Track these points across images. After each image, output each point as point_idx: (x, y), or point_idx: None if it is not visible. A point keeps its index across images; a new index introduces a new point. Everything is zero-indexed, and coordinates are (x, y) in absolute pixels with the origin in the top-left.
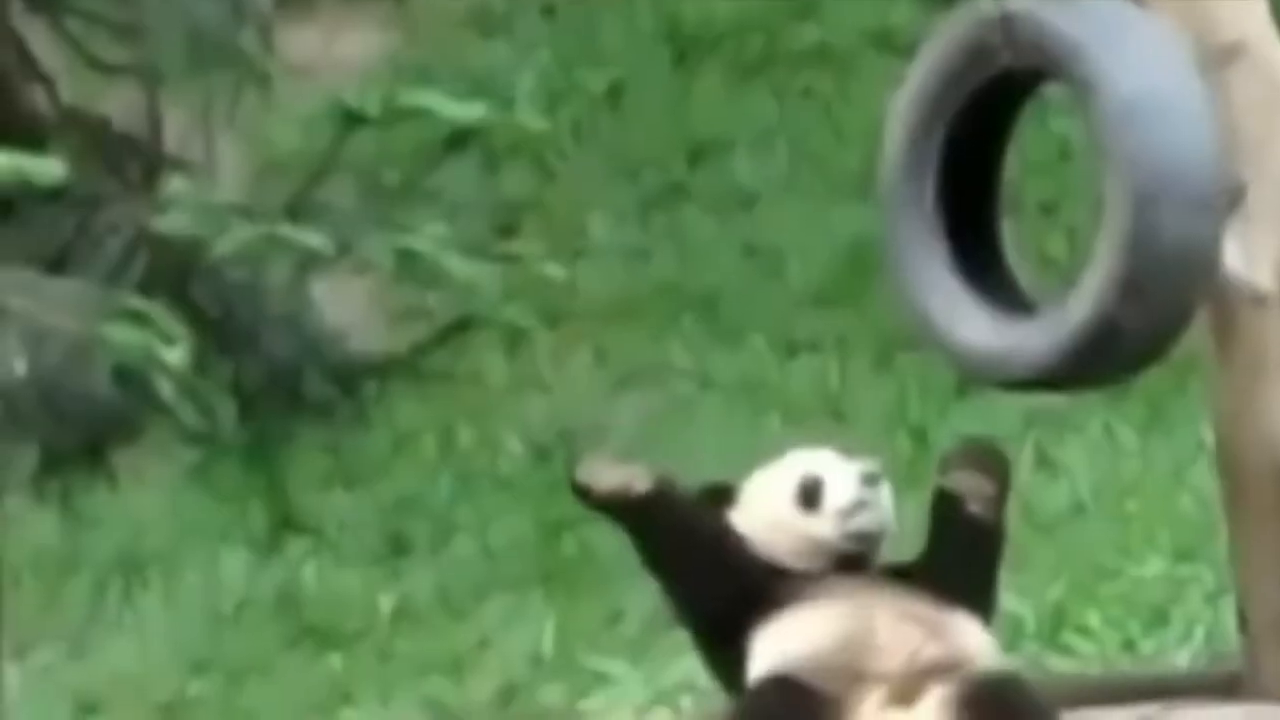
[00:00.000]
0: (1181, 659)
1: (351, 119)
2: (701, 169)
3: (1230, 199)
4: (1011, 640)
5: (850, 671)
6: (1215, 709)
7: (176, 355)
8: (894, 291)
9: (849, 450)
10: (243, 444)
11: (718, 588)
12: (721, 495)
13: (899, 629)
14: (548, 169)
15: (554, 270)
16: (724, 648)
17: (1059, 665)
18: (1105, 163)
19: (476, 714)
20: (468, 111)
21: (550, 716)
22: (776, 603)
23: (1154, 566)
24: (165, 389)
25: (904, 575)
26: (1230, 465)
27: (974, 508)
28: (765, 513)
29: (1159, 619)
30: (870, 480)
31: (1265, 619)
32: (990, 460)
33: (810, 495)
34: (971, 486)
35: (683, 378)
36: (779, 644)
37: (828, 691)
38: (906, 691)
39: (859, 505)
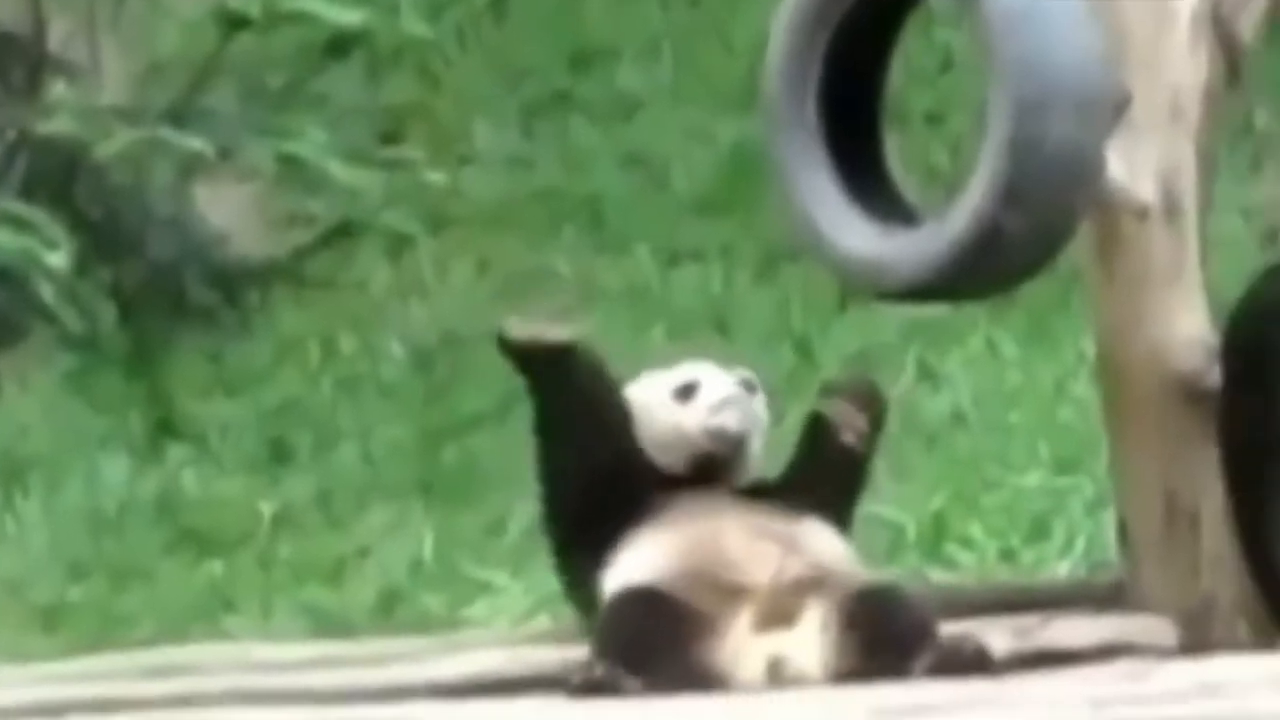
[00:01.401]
0: (1062, 570)
1: (234, 22)
2: (586, 76)
3: (1115, 110)
4: (892, 551)
5: (714, 585)
6: (1095, 620)
7: (58, 259)
8: (778, 202)
9: (727, 361)
10: (124, 349)
11: (599, 460)
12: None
13: (754, 543)
14: (431, 75)
15: (437, 177)
16: (579, 536)
17: (940, 576)
18: (989, 70)
19: (357, 621)
20: (350, 16)
21: (431, 624)
22: (636, 504)
23: (1035, 478)
24: (46, 292)
25: (761, 491)
26: (1112, 377)
27: (846, 437)
28: (642, 403)
29: (1040, 530)
30: (746, 385)
31: (1144, 530)
32: (869, 395)
33: (686, 390)
34: (847, 417)
35: (566, 286)
36: (634, 559)
37: (691, 604)
38: (780, 610)
39: (729, 402)
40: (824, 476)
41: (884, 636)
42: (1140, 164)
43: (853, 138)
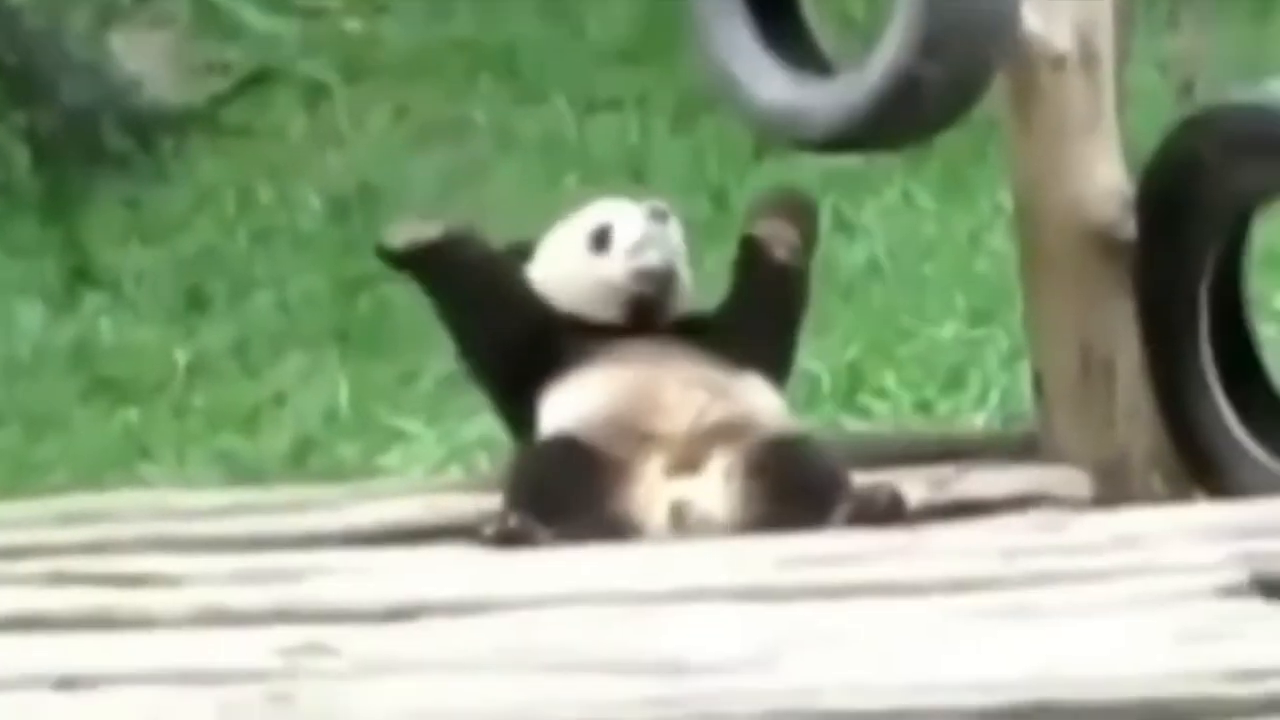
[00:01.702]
0: (977, 421)
1: None
2: None
3: None
4: (808, 401)
5: (635, 433)
6: (1009, 470)
7: None
8: (695, 52)
9: (638, 198)
10: (39, 195)
11: (510, 337)
12: (518, 252)
13: (686, 392)
14: None
15: (353, 25)
16: (516, 402)
17: (855, 426)
18: None
19: (272, 469)
20: None
21: (345, 472)
22: (567, 360)
23: (950, 329)
24: None
25: (701, 329)
26: (1028, 228)
27: (779, 254)
28: (559, 262)
29: (955, 381)
30: (657, 216)
31: (1059, 381)
32: (798, 209)
33: (600, 239)
34: (778, 234)
35: (482, 134)
36: (564, 404)
37: (609, 452)
38: (690, 456)
39: (645, 241)
40: (764, 299)
41: (794, 485)
42: (1056, 14)
43: None
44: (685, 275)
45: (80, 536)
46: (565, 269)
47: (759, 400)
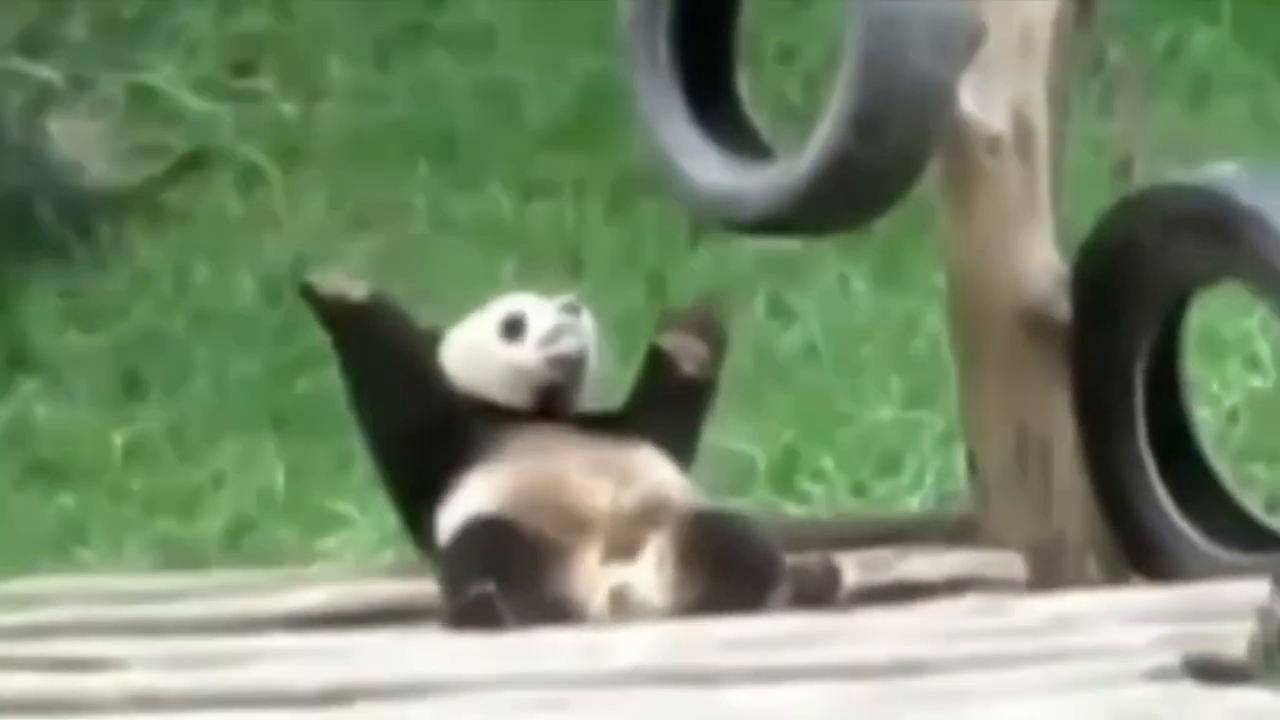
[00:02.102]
0: (913, 505)
1: None
2: (441, 8)
3: (969, 41)
4: (743, 484)
5: (554, 517)
6: (946, 553)
7: None
8: (632, 135)
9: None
10: None
11: (417, 416)
12: (432, 336)
13: (589, 476)
14: (284, 7)
15: (290, 108)
16: (412, 482)
17: (791, 510)
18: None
19: (208, 553)
20: None
21: (281, 557)
22: (472, 445)
23: (886, 412)
24: None
25: (599, 422)
26: (963, 310)
27: (685, 367)
28: (469, 347)
29: (891, 464)
30: (570, 310)
31: (995, 464)
32: (707, 324)
33: (513, 327)
34: (685, 347)
35: (418, 219)
36: (479, 488)
37: (537, 535)
38: (622, 540)
39: (559, 330)
40: (665, 407)
41: (733, 566)
42: (992, 96)
43: (706, 71)
44: (593, 367)
45: (16, 621)
46: (476, 354)
47: (661, 474)
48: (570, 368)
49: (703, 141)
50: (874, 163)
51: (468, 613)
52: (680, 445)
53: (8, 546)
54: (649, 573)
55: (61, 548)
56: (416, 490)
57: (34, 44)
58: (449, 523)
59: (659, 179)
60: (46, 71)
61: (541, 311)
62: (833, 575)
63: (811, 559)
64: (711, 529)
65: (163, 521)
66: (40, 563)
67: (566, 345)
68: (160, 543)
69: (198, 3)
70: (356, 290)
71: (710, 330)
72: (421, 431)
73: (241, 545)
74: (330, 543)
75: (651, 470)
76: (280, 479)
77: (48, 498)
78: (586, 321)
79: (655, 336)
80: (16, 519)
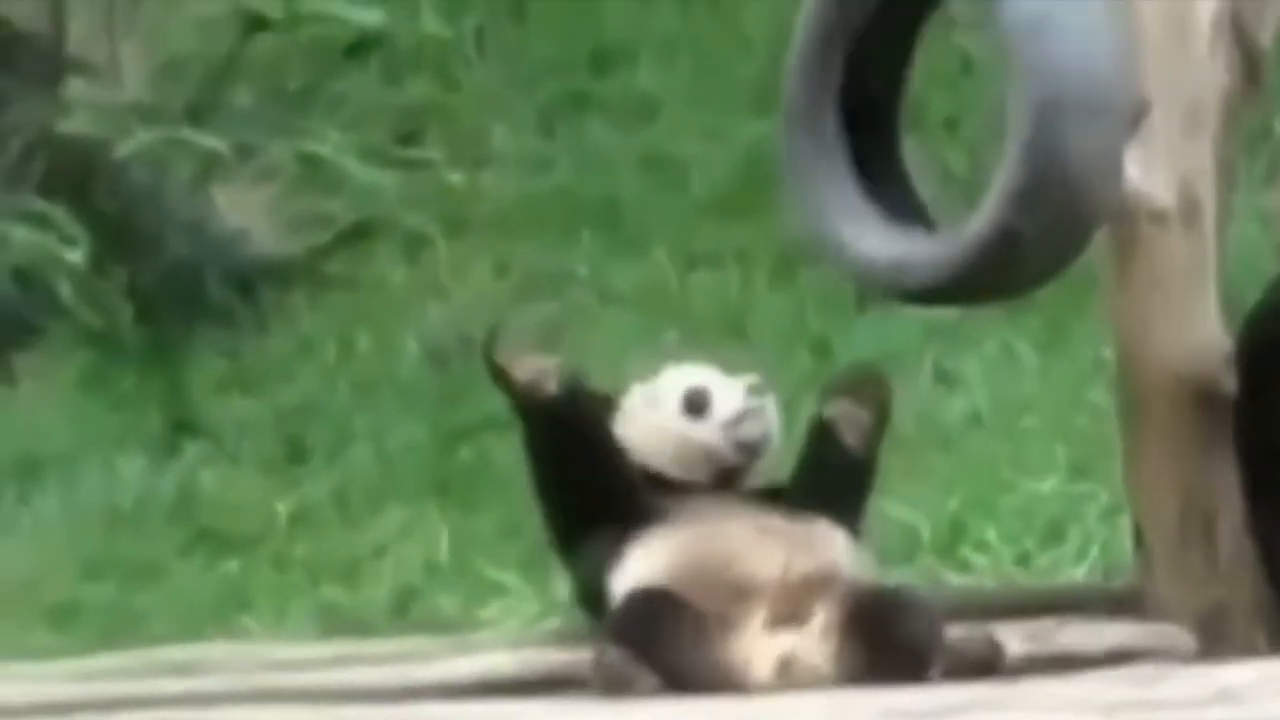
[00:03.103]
0: (1077, 575)
1: (254, 22)
2: (604, 77)
3: (1134, 114)
4: (908, 553)
5: (726, 586)
6: (1109, 625)
7: (76, 257)
8: (795, 204)
9: (730, 368)
10: (141, 347)
11: (601, 496)
12: (604, 405)
13: (762, 543)
14: (450, 76)
15: (455, 177)
16: (590, 560)
17: (955, 579)
18: (1009, 73)
19: (372, 621)
20: (370, 16)
21: (445, 625)
22: (648, 518)
23: (1051, 482)
24: (64, 290)
25: (770, 496)
26: (1129, 382)
27: (848, 438)
28: (649, 419)
29: (1055, 535)
30: (757, 391)
31: (1160, 535)
32: (870, 390)
33: (697, 404)
34: (848, 416)
35: (582, 287)
36: (649, 559)
37: (705, 605)
38: (790, 610)
39: (746, 414)
40: (830, 479)
41: (895, 638)
42: (1158, 169)
43: (871, 140)
44: (773, 449)
45: (177, 689)
46: (656, 428)
47: (835, 547)
48: (753, 451)
49: (867, 209)
50: (1038, 237)
51: (608, 678)
52: (847, 516)
53: (171, 613)
54: (815, 641)
55: (225, 615)
56: (592, 561)
57: (201, 113)
58: (618, 589)
59: (822, 247)
60: (213, 141)
61: (727, 390)
62: (995, 649)
63: (974, 633)
64: (875, 602)
65: (326, 589)
66: (204, 630)
67: (752, 430)
68: (323, 610)
69: (362, 72)
70: (549, 378)
71: (874, 400)
72: (601, 505)
73: (406, 613)
74: (493, 611)
75: (825, 540)
76: (444, 547)
77: (212, 564)
78: (772, 404)
79: (819, 406)
80: (181, 585)
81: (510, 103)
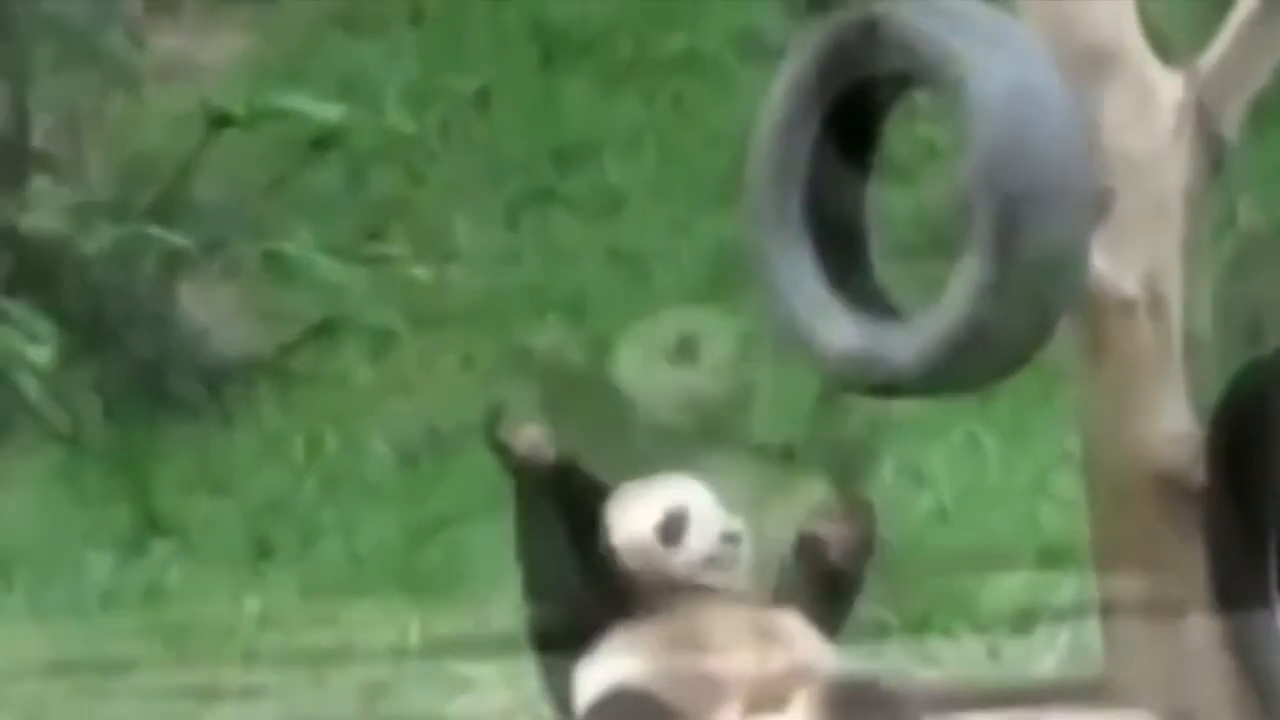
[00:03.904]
0: (1047, 666)
1: (218, 119)
2: (569, 172)
3: (1099, 205)
4: (875, 647)
5: (694, 681)
6: (1080, 715)
7: (41, 354)
8: (761, 297)
9: (719, 488)
10: (109, 445)
11: (580, 572)
12: (596, 489)
13: (736, 637)
14: (415, 171)
15: (421, 272)
16: (564, 648)
17: (923, 672)
18: (972, 164)
19: (342, 717)
20: (332, 112)
21: (415, 719)
22: (623, 606)
23: (1019, 573)
24: (30, 388)
25: (766, 598)
26: (1096, 472)
27: (835, 555)
28: (628, 535)
29: (1024, 625)
30: (731, 540)
31: (1129, 626)
32: (858, 514)
33: (672, 531)
34: (835, 535)
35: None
36: (614, 656)
37: (676, 703)
38: (769, 697)
39: (714, 560)
40: (812, 590)
41: None
42: (1124, 259)
43: (836, 233)
44: (744, 584)
45: None
46: (634, 545)
47: (811, 643)
48: (717, 585)
49: (833, 301)
50: (1004, 328)
51: None
52: (825, 625)
53: (140, 709)
54: None
55: (192, 714)
56: (562, 644)
57: (166, 211)
58: (588, 681)
59: (789, 339)
60: (179, 238)
61: (703, 523)
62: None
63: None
64: (854, 693)
65: (296, 684)
66: None
67: (718, 578)
68: (292, 706)
69: (328, 168)
70: (546, 448)
71: (861, 520)
72: (576, 587)
73: (375, 709)
74: (463, 705)
75: (797, 632)
76: (414, 642)
77: (180, 661)
78: (745, 550)
79: (805, 523)
80: (149, 681)
81: (475, 197)
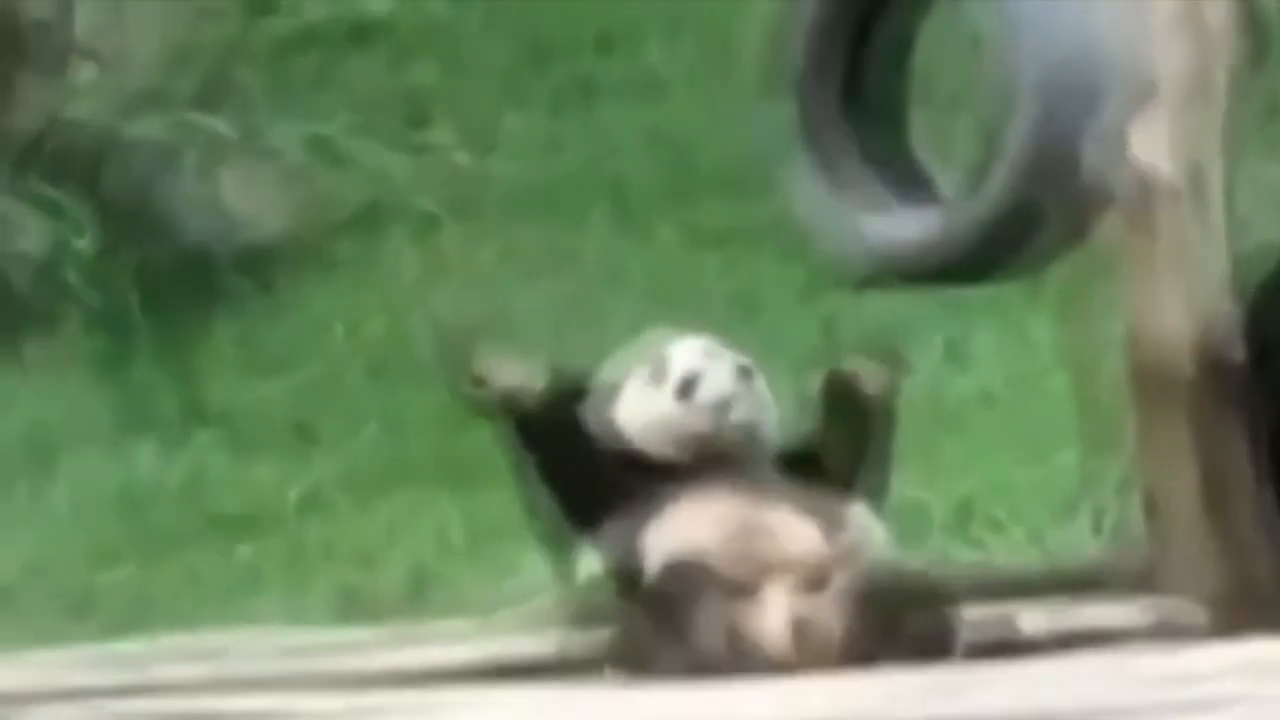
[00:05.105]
0: (1091, 551)
1: (260, 6)
2: (612, 59)
3: (1142, 90)
4: (919, 533)
5: (752, 559)
6: (1123, 603)
7: (85, 243)
8: (797, 186)
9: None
10: (151, 333)
11: (598, 498)
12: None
13: (793, 521)
14: (457, 60)
15: (463, 159)
16: (611, 539)
17: (967, 557)
18: (1012, 52)
19: (387, 603)
20: (377, 2)
21: (461, 605)
22: (664, 500)
23: (1064, 459)
24: (73, 276)
25: (794, 462)
26: (1139, 356)
27: (869, 388)
28: (643, 406)
29: (1069, 511)
30: (744, 374)
31: (1174, 509)
32: (884, 352)
33: (686, 388)
34: (864, 370)
35: (592, 269)
36: (676, 532)
37: (734, 576)
38: (813, 579)
39: (731, 400)
40: (854, 433)
41: (912, 627)
42: (1165, 143)
43: (876, 117)
44: (769, 428)
45: (193, 674)
46: (649, 414)
47: (864, 527)
48: (746, 431)
49: (877, 190)
50: (1046, 210)
51: (632, 655)
52: (872, 473)
53: (187, 597)
54: (829, 608)
55: (240, 600)
56: (613, 540)
57: (208, 98)
58: (650, 560)
59: (825, 233)
60: (220, 125)
61: (714, 371)
62: (1008, 638)
63: (987, 622)
64: (893, 589)
65: (341, 571)
66: (219, 615)
67: (740, 414)
68: (340, 593)
69: (369, 57)
70: (534, 384)
71: (888, 356)
72: (610, 490)
73: (421, 595)
74: (509, 588)
75: (855, 520)
76: (457, 528)
77: (225, 549)
78: (760, 385)
79: (833, 364)
80: (195, 570)
81: (517, 85)
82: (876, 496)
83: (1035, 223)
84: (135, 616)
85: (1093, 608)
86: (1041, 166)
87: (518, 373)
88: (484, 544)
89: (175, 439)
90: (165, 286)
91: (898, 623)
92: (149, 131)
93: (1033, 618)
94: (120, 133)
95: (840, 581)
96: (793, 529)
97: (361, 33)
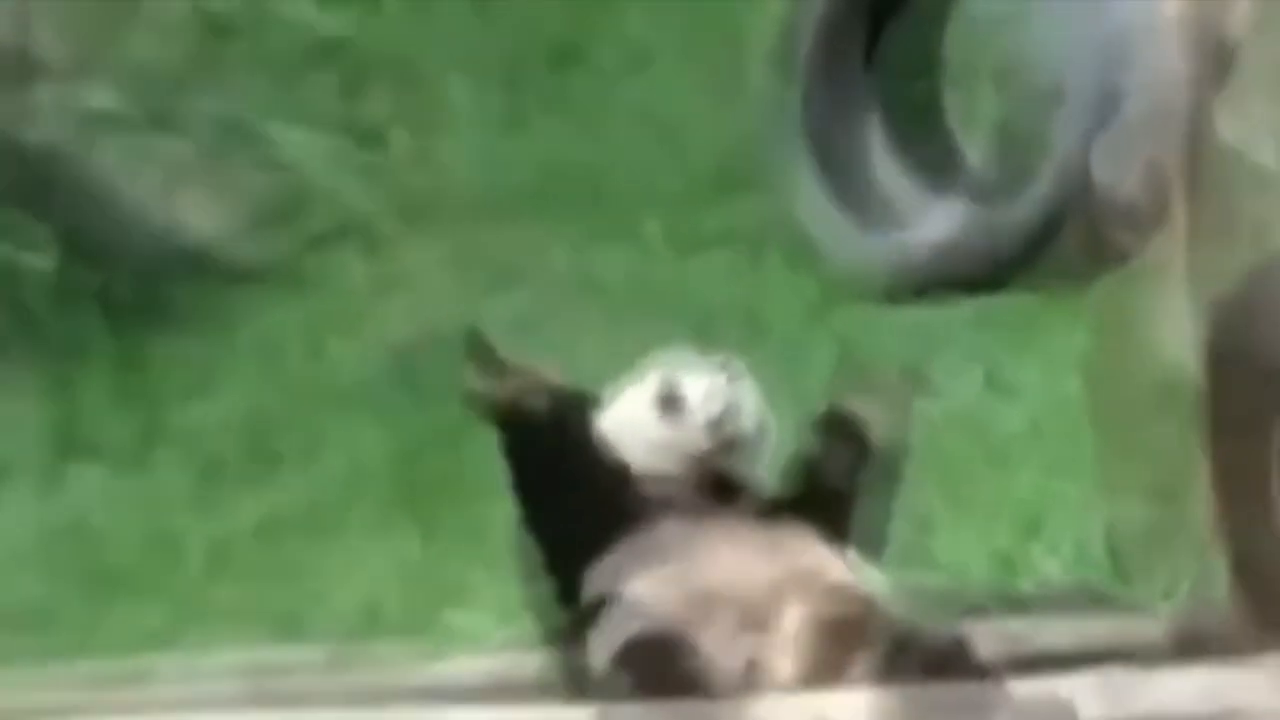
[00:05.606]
0: (1052, 570)
1: (218, 27)
2: (589, 29)
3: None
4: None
5: (698, 598)
6: (1085, 620)
7: (43, 265)
8: (796, 188)
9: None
10: (109, 354)
11: (585, 520)
12: (586, 407)
13: (739, 553)
14: (416, 79)
15: (420, 166)
16: (568, 576)
17: (926, 577)
18: (1056, 43)
19: (343, 626)
20: (336, 24)
21: (417, 629)
22: (638, 521)
23: (1025, 478)
24: (32, 299)
25: (782, 507)
26: (1103, 378)
27: (870, 432)
28: (630, 424)
29: (1032, 531)
30: (730, 375)
31: (1133, 530)
32: (888, 386)
33: (670, 403)
34: (868, 411)
35: (563, 276)
36: (635, 568)
37: (685, 632)
38: (759, 615)
39: (726, 416)
40: (849, 480)
41: (864, 642)
42: (1130, 162)
43: (907, 96)
44: (766, 435)
45: (132, 697)
46: (638, 434)
47: (817, 553)
48: (738, 445)
49: (903, 181)
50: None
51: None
52: (867, 520)
53: (128, 625)
54: (783, 645)
55: (177, 630)
56: (567, 558)
57: (166, 119)
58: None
59: (831, 242)
60: (178, 146)
61: (701, 383)
62: (962, 653)
63: (943, 634)
64: (850, 605)
65: (296, 593)
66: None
67: (734, 427)
68: (289, 619)
69: (326, 74)
70: (535, 399)
71: (893, 391)
72: (589, 525)
73: (377, 618)
74: (463, 615)
75: (798, 545)
76: (414, 550)
77: (176, 570)
78: (748, 387)
79: (835, 399)
80: (141, 593)
81: (479, 58)
82: (872, 549)
83: (1062, 228)
84: (84, 641)
85: (1053, 627)
86: (1086, 168)
87: (519, 381)
88: (439, 566)
89: (133, 460)
90: (123, 308)
91: (858, 650)
92: (106, 152)
93: (991, 638)
94: (77, 153)
95: (794, 614)
96: (748, 563)
97: (319, 53)
